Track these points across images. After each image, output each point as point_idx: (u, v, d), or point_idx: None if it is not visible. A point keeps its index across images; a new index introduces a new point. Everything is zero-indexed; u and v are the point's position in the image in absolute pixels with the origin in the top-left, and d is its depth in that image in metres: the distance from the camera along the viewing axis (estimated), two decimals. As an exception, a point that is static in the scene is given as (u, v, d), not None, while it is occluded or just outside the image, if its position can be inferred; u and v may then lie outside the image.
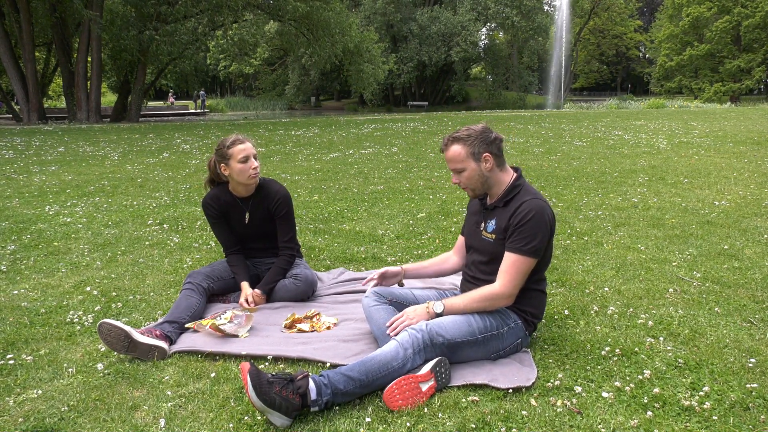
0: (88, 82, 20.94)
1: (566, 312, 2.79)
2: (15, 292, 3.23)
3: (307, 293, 3.04)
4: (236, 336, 2.54)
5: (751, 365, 2.23)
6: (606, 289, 3.10)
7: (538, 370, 2.20)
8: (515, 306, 2.32)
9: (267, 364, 2.33)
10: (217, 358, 2.38)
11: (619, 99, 33.96)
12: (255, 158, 2.88)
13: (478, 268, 2.41)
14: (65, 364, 2.34)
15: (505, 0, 36.56)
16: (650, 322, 2.63)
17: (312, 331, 2.61)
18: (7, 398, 2.10)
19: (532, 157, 8.64)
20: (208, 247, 4.14)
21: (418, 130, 14.42)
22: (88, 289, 3.25)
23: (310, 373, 1.97)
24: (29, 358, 2.40)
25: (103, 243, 4.28)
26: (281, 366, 2.31)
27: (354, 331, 2.57)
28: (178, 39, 21.53)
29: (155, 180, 7.26)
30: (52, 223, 4.94)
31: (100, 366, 2.29)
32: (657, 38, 47.29)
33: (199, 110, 36.84)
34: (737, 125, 12.82)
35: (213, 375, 2.21)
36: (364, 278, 3.37)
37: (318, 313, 2.77)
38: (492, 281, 2.31)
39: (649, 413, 1.92)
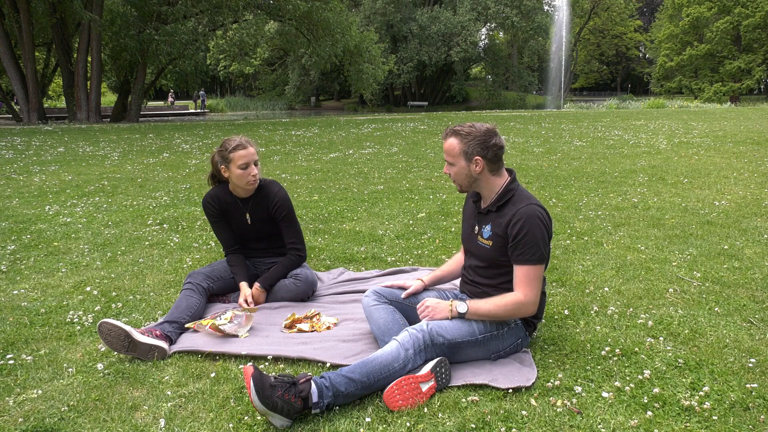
0: (88, 82, 20.97)
1: (566, 312, 2.79)
2: (15, 292, 3.23)
3: (307, 293, 3.05)
4: (236, 336, 2.55)
5: (751, 365, 2.23)
6: (606, 289, 3.10)
7: (538, 370, 2.20)
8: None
9: (267, 364, 2.33)
10: (217, 358, 2.38)
11: (619, 99, 34.02)
12: (256, 165, 2.89)
13: (477, 272, 2.41)
14: (65, 364, 2.34)
15: (505, 0, 36.58)
16: (650, 322, 2.63)
17: (312, 331, 2.61)
18: (7, 398, 2.10)
19: (532, 157, 8.64)
20: (208, 247, 4.14)
21: (418, 130, 14.42)
22: (88, 289, 3.25)
23: (312, 376, 1.98)
24: (29, 358, 2.40)
25: (103, 243, 4.28)
26: (281, 366, 2.31)
27: (354, 331, 2.57)
28: (178, 39, 21.50)
29: (155, 180, 7.26)
30: (52, 223, 4.94)
31: (100, 366, 2.30)
32: (657, 38, 47.35)
33: (199, 110, 36.87)
34: (737, 125, 12.82)
35: (213, 375, 2.22)
36: (365, 278, 3.38)
37: (318, 313, 2.77)
38: (491, 285, 2.32)
39: (649, 413, 1.92)
